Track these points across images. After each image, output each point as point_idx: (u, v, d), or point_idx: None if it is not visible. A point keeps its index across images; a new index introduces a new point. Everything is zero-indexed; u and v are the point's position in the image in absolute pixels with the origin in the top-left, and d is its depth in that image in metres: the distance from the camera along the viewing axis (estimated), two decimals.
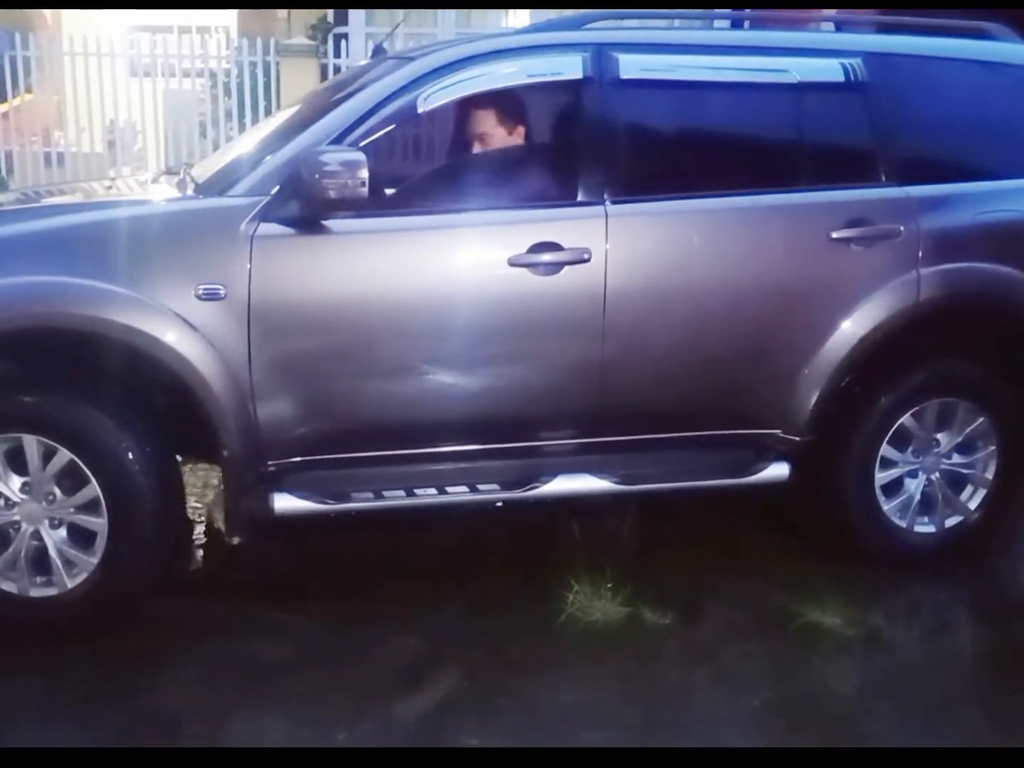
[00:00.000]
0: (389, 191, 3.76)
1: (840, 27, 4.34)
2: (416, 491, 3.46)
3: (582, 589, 3.54)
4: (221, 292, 3.12)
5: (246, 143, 3.92)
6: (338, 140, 3.24)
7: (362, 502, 3.40)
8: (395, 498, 3.43)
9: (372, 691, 3.02)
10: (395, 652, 3.24)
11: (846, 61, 3.72)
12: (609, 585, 3.58)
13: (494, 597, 3.58)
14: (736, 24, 5.78)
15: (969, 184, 3.78)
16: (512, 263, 3.33)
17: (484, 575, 3.76)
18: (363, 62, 4.98)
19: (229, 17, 12.72)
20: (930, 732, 2.93)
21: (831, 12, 5.97)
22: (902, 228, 3.62)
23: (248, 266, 3.13)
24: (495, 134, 3.69)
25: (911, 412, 3.77)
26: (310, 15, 9.84)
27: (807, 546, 3.99)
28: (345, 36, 9.50)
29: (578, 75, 3.49)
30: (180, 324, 3.10)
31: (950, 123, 3.82)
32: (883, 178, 3.68)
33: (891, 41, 3.98)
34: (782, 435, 3.71)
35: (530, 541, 4.02)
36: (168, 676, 3.07)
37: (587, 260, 3.39)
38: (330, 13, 9.96)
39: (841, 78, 3.71)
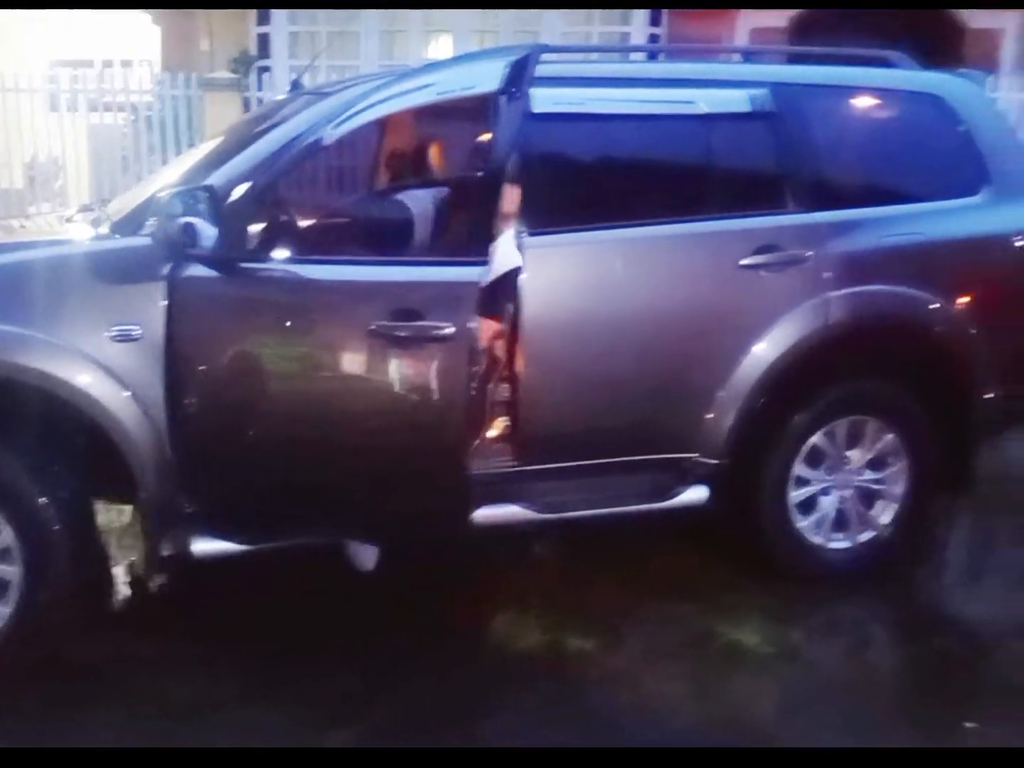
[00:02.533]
0: (304, 231, 3.77)
1: (748, 58, 4.46)
2: (339, 528, 3.45)
3: (508, 617, 3.56)
4: (135, 333, 3.10)
5: (162, 179, 3.91)
6: (248, 178, 3.22)
7: (282, 541, 3.37)
8: (314, 537, 3.41)
9: (302, 727, 3.00)
10: (326, 687, 3.22)
11: (753, 92, 3.81)
12: (534, 612, 3.60)
13: (428, 627, 3.57)
14: (652, 57, 5.92)
15: (874, 209, 3.89)
16: None
17: (415, 607, 3.75)
18: (281, 96, 5.00)
19: (152, 51, 12.64)
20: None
21: (741, 44, 6.14)
22: (810, 253, 3.71)
23: (162, 306, 3.11)
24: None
25: (823, 431, 3.85)
26: (232, 48, 9.83)
27: (730, 566, 4.04)
28: (268, 69, 9.50)
29: (491, 111, 3.54)
30: (94, 367, 3.07)
31: (854, 150, 3.93)
32: (791, 205, 3.78)
33: (796, 71, 4.10)
34: (700, 458, 3.77)
35: (456, 571, 4.03)
36: (91, 719, 3.02)
37: None
38: (252, 46, 9.96)
39: (748, 108, 3.80)
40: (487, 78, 3.38)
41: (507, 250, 3.68)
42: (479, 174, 3.36)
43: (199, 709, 3.08)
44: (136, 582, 3.83)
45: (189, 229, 3.03)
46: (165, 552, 3.26)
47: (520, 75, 3.37)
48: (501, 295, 3.68)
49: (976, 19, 10.22)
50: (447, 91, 3.49)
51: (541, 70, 3.82)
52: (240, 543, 3.31)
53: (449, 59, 3.71)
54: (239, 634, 3.52)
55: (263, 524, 3.39)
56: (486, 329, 3.67)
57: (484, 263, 3.17)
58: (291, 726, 3.01)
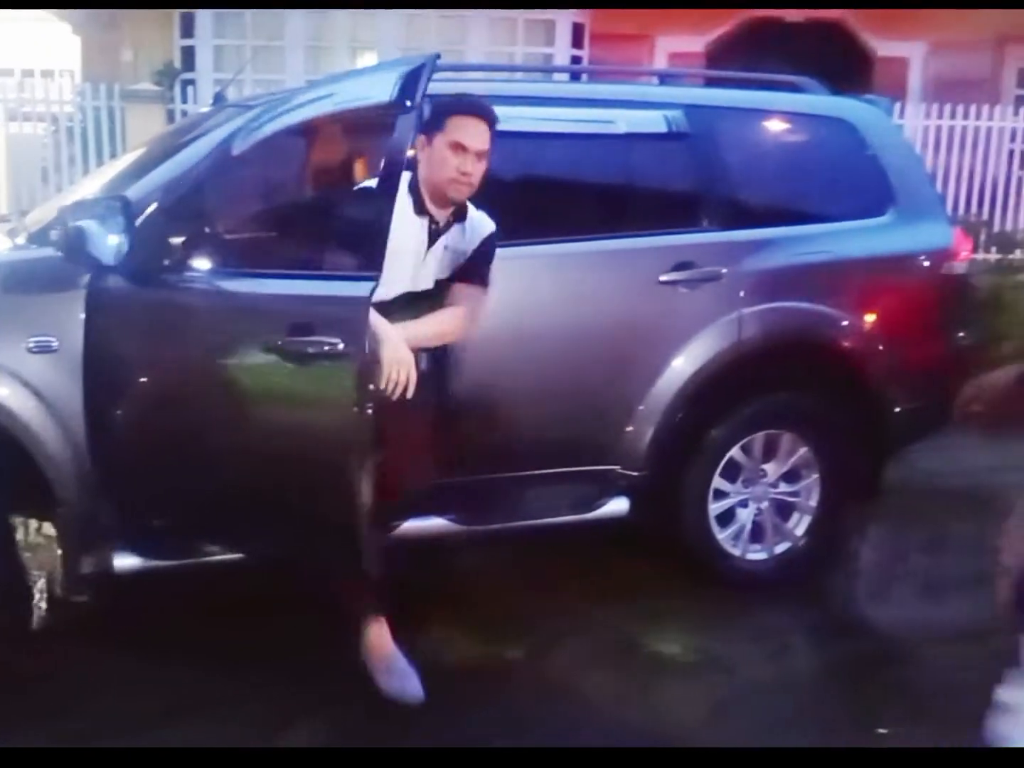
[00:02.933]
0: (229, 244, 3.75)
1: (664, 80, 4.57)
2: (260, 544, 3.44)
3: (437, 628, 3.59)
4: (53, 344, 3.08)
5: (82, 191, 3.88)
6: (166, 190, 3.22)
7: (204, 557, 3.35)
8: (236, 552, 3.39)
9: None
10: (262, 701, 3.20)
11: (669, 113, 3.92)
12: (463, 623, 3.64)
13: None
14: (574, 77, 6.02)
15: (785, 228, 4.02)
16: None
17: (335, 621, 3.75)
18: (204, 109, 4.99)
19: (74, 60, 12.45)
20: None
21: (659, 66, 6.28)
22: (724, 270, 3.81)
23: (81, 317, 3.08)
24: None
25: (739, 445, 3.95)
26: (156, 60, 9.74)
27: (654, 575, 4.11)
28: (192, 82, 9.43)
29: (411, 128, 3.56)
30: (11, 379, 3.04)
31: (767, 171, 4.06)
32: (706, 223, 3.88)
33: (711, 94, 4.22)
34: (621, 470, 3.84)
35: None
36: (12, 737, 2.94)
37: None
38: (177, 59, 9.88)
39: (665, 129, 3.90)
40: (382, 89, 3.40)
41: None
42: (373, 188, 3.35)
43: (124, 727, 3.04)
44: (57, 599, 3.77)
45: (97, 239, 2.98)
46: (86, 568, 3.21)
47: (413, 86, 3.38)
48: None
49: (883, 48, 10.59)
50: (346, 102, 3.52)
51: (461, 88, 3.89)
52: (161, 559, 3.27)
53: (351, 71, 3.76)
54: (165, 650, 3.47)
55: (183, 540, 3.36)
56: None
57: (374, 279, 3.17)
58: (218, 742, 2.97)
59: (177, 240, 3.19)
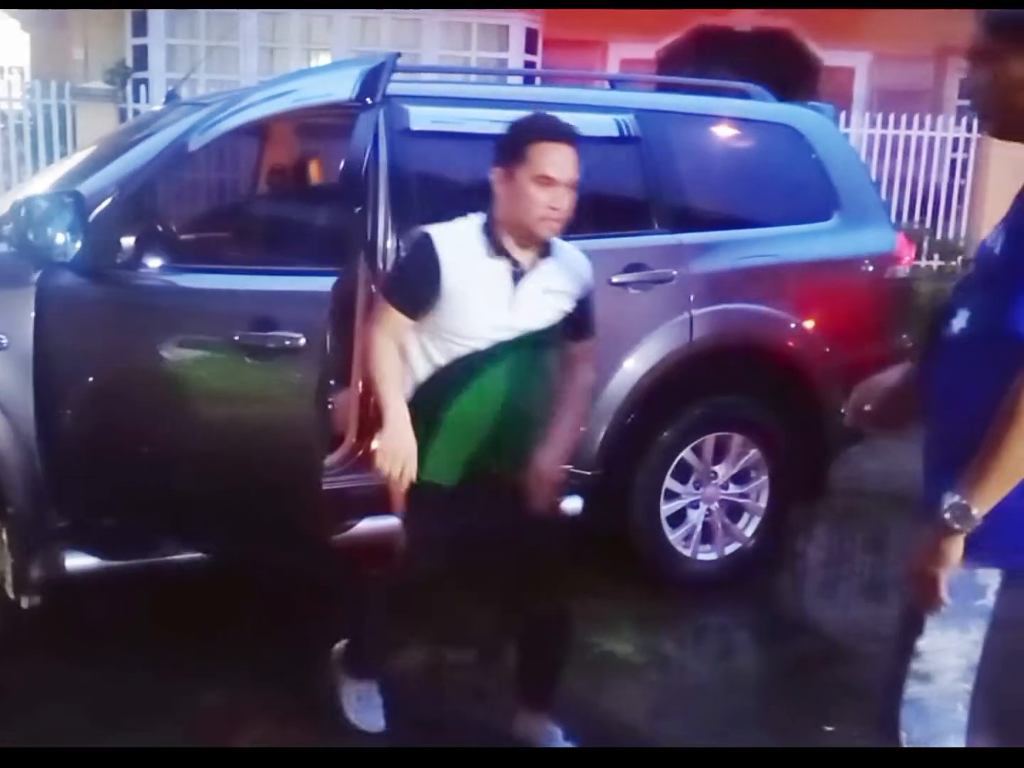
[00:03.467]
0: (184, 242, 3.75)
1: (615, 85, 4.62)
2: (214, 542, 3.42)
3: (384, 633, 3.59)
4: (2, 342, 3.05)
5: (32, 188, 3.84)
6: (119, 186, 3.21)
7: (159, 557, 3.33)
8: (186, 554, 3.37)
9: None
10: (196, 707, 3.19)
11: (620, 117, 3.97)
12: (413, 626, 3.64)
13: (294, 647, 3.54)
14: (528, 81, 6.06)
15: (733, 231, 4.09)
16: None
17: (289, 624, 3.74)
18: (157, 107, 4.97)
19: (23, 58, 12.29)
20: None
21: (611, 71, 6.33)
22: (675, 272, 3.87)
23: (32, 315, 3.06)
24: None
25: (691, 446, 4.00)
26: (108, 59, 9.64)
27: (604, 577, 4.11)
28: (145, 81, 9.35)
29: (369, 124, 3.58)
30: None
31: (715, 175, 4.12)
32: (657, 226, 3.94)
33: (661, 99, 4.28)
34: (574, 470, 3.86)
35: (325, 588, 4.03)
36: None
37: None
38: (129, 58, 9.79)
39: (616, 132, 3.95)
40: (342, 87, 3.42)
41: None
42: (333, 184, 3.35)
43: (65, 734, 3.01)
44: (8, 602, 3.72)
45: (49, 235, 2.98)
46: (37, 571, 3.17)
47: (374, 84, 3.40)
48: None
49: (830, 57, 10.78)
50: (304, 100, 3.53)
51: (417, 88, 3.92)
52: (113, 559, 3.25)
53: (309, 68, 3.77)
54: (108, 655, 3.44)
55: (137, 539, 3.34)
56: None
57: (331, 274, 3.19)
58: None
59: (130, 237, 3.18)
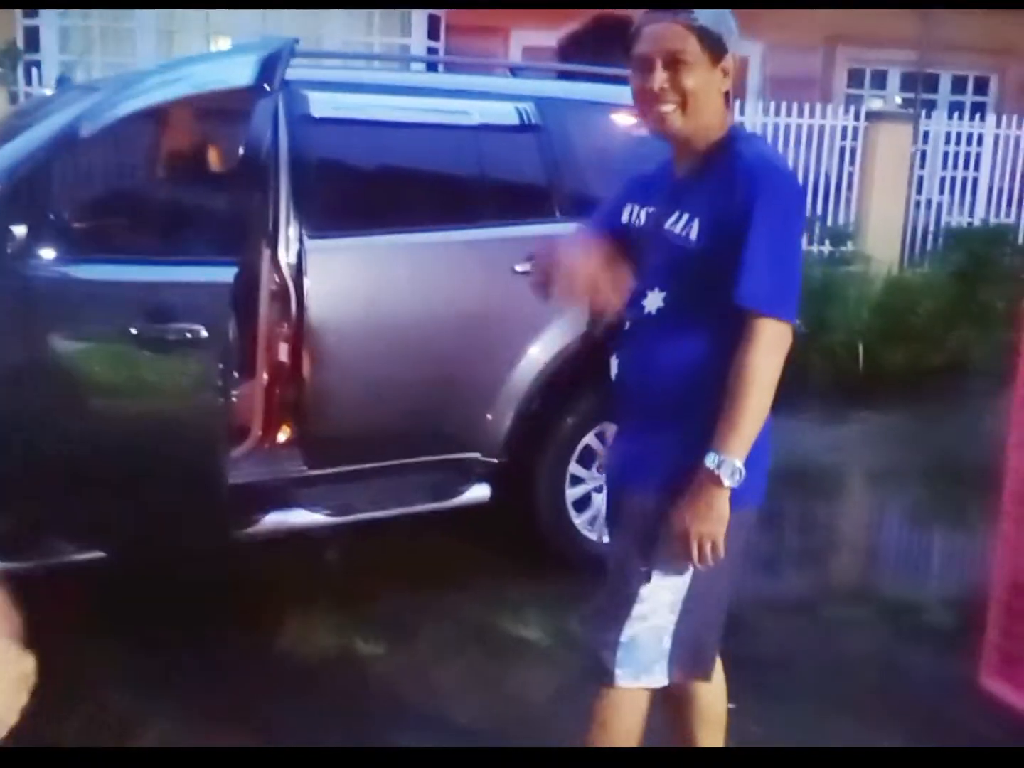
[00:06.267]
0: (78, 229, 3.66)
1: (515, 72, 4.63)
2: (106, 546, 3.35)
3: (296, 621, 3.57)
4: None
5: None
6: (13, 173, 3.12)
7: (60, 557, 3.26)
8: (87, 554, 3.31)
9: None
10: (103, 703, 3.13)
11: (520, 105, 3.98)
12: (324, 615, 3.64)
13: (216, 633, 3.53)
14: (431, 67, 6.03)
15: None
16: None
17: (205, 610, 3.70)
18: (48, 91, 4.83)
19: None
20: None
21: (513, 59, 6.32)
22: None
23: None
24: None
25: (594, 432, 4.04)
26: None
27: (512, 562, 4.17)
28: (37, 63, 9.05)
29: (268, 110, 3.53)
30: None
31: (617, 162, 4.15)
32: (559, 214, 3.96)
33: (561, 86, 4.30)
34: (481, 458, 3.89)
35: (246, 578, 3.99)
36: None
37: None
38: (19, 39, 9.46)
39: (516, 120, 3.97)
40: (240, 73, 3.37)
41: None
42: (233, 172, 3.30)
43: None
44: None
45: None
46: None
47: (271, 71, 3.37)
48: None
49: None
50: (201, 85, 3.48)
51: (320, 74, 3.88)
52: (10, 561, 3.14)
53: (207, 53, 3.72)
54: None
55: (33, 540, 3.26)
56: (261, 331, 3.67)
57: (233, 263, 3.15)
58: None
59: (21, 226, 3.09)
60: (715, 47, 2.02)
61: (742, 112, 9.01)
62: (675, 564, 2.08)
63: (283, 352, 3.79)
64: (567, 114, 4.06)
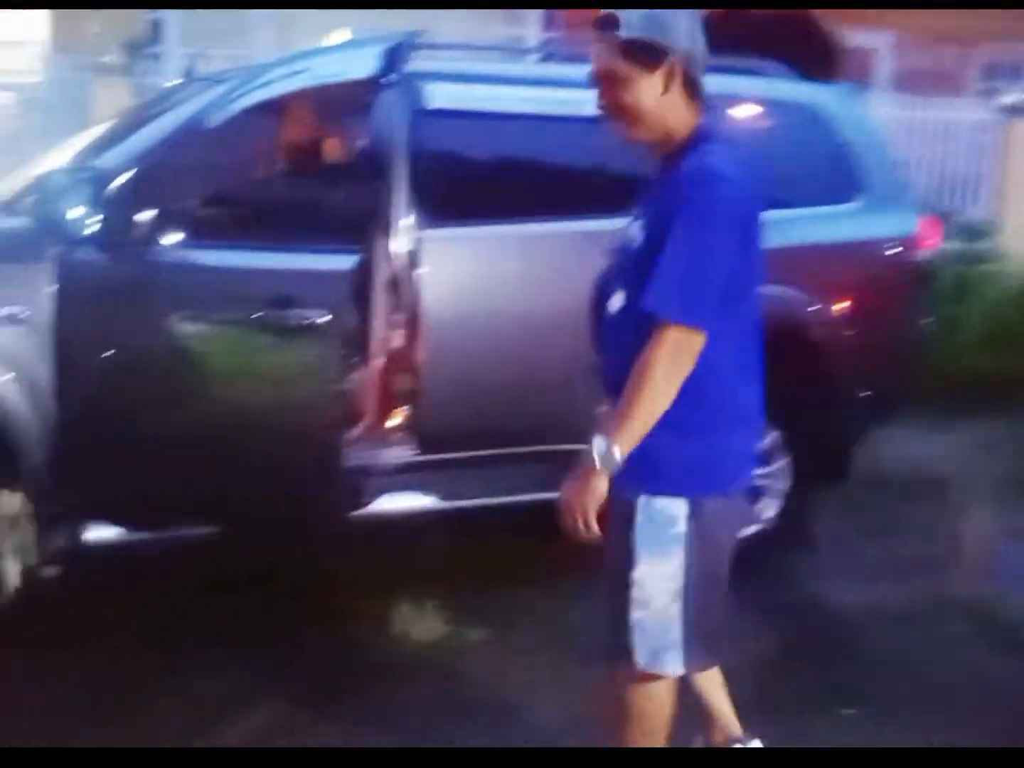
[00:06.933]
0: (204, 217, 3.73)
1: None
2: (221, 522, 3.43)
3: (405, 608, 3.61)
4: (22, 315, 3.06)
5: (51, 161, 3.84)
6: (137, 162, 3.21)
7: (170, 530, 3.35)
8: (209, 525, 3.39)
9: (185, 728, 2.95)
10: (207, 688, 3.18)
11: None
12: (433, 603, 3.66)
13: (315, 622, 3.56)
14: (547, 58, 5.98)
15: None
16: None
17: (305, 600, 3.74)
18: (174, 82, 4.95)
19: (42, 31, 12.26)
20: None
21: None
22: None
23: (50, 289, 3.06)
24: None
25: None
26: (124, 32, 9.60)
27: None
28: (160, 55, 9.32)
29: (389, 102, 3.56)
30: None
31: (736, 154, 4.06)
32: None
33: None
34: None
35: (351, 564, 4.03)
36: None
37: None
38: (145, 32, 9.75)
39: None
40: (362, 65, 3.40)
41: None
42: (354, 163, 3.34)
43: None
44: (25, 573, 3.73)
45: (67, 210, 2.98)
46: (56, 542, 3.19)
47: (394, 62, 3.38)
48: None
49: (852, 38, 10.66)
50: (324, 77, 3.51)
51: (437, 66, 3.89)
52: (131, 531, 3.27)
53: (328, 46, 3.76)
54: (125, 633, 3.43)
55: (156, 513, 3.36)
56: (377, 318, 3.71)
57: (355, 252, 3.19)
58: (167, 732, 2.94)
59: (147, 213, 3.17)
60: (646, 56, 2.04)
61: (869, 105, 8.73)
62: (656, 549, 2.19)
63: (397, 338, 3.81)
64: None
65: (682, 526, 2.19)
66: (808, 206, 4.13)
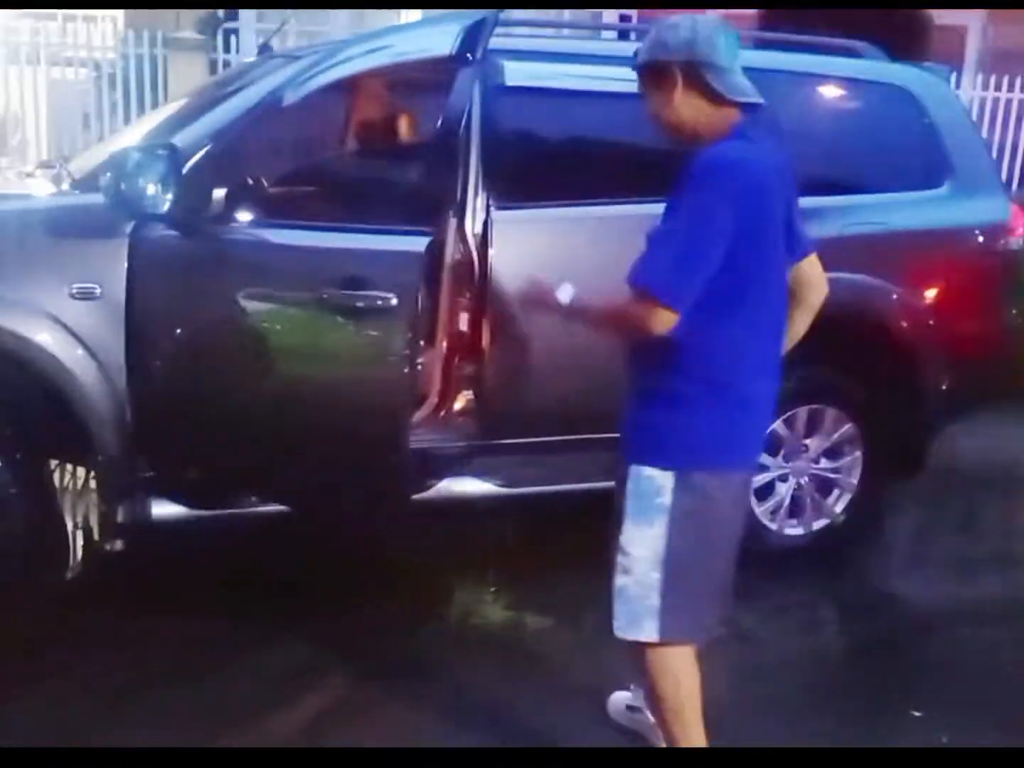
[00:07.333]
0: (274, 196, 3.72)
1: None
2: (287, 501, 3.43)
3: (466, 593, 3.58)
4: (96, 292, 3.07)
5: (128, 137, 3.85)
6: (212, 139, 3.18)
7: (237, 508, 3.36)
8: (274, 504, 3.39)
9: (250, 702, 2.97)
10: (283, 658, 3.21)
11: None
12: (493, 589, 3.62)
13: (377, 603, 3.56)
14: (623, 36, 5.89)
15: (839, 197, 3.93)
16: None
17: (367, 581, 3.75)
18: (250, 59, 4.94)
19: (116, 8, 12.39)
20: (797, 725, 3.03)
21: None
22: None
23: (125, 266, 3.07)
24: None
25: (782, 418, 3.89)
26: (199, 8, 9.65)
27: None
28: (235, 31, 9.35)
29: (468, 80, 3.50)
30: (52, 324, 3.03)
31: (819, 138, 3.95)
32: None
33: (764, 57, 4.09)
34: None
35: (409, 548, 4.02)
36: (35, 692, 2.95)
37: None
38: (220, 8, 9.78)
39: None
40: (442, 42, 3.35)
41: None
42: (429, 142, 3.29)
43: (139, 688, 3.02)
44: (92, 547, 3.78)
45: (142, 187, 2.95)
46: (123, 516, 3.23)
47: (475, 40, 3.32)
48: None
49: (941, 17, 10.32)
50: (403, 54, 3.47)
51: (514, 43, 3.83)
52: (198, 508, 3.29)
53: (409, 23, 3.71)
54: (194, 605, 3.47)
55: (219, 489, 3.38)
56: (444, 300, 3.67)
57: (428, 233, 3.15)
58: (239, 703, 2.97)
59: (222, 190, 3.16)
60: (656, 72, 2.30)
61: (958, 86, 8.48)
62: (642, 517, 2.32)
63: (464, 321, 3.78)
64: (772, 86, 3.82)
65: (667, 497, 2.30)
66: (896, 191, 4.01)
